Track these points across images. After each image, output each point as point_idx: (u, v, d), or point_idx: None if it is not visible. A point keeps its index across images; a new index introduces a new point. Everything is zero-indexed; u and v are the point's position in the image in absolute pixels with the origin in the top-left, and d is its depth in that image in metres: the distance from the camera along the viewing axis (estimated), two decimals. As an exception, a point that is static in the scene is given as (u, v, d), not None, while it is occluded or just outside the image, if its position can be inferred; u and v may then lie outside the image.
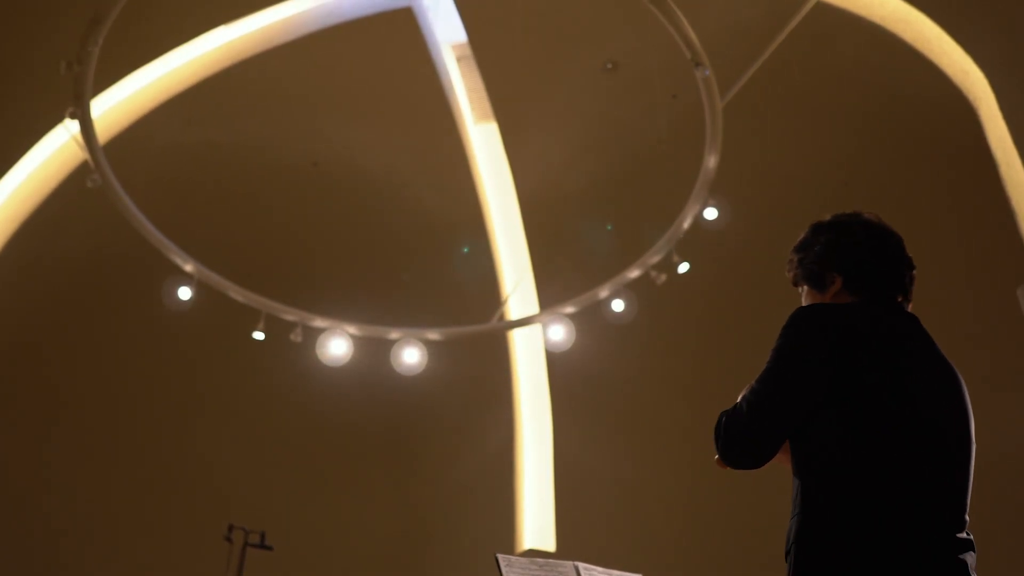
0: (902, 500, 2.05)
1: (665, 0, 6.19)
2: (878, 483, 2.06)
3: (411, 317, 9.53)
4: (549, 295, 10.04)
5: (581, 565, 3.57)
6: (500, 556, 3.44)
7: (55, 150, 8.82)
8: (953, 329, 9.20)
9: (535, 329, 9.83)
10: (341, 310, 9.17)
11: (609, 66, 9.55)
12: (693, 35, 6.43)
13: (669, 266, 8.35)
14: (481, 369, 10.78)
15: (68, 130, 7.50)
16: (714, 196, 8.33)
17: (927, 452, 2.11)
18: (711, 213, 7.83)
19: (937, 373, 2.28)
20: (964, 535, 2.09)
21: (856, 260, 2.48)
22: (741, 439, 2.24)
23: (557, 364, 10.25)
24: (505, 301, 10.27)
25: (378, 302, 10.09)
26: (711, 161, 7.38)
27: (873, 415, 2.13)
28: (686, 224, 7.90)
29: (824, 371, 2.18)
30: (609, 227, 10.00)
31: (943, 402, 2.23)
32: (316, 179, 10.04)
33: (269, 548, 7.01)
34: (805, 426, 2.20)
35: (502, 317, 10.07)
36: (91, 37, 6.22)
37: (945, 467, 2.13)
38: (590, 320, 9.08)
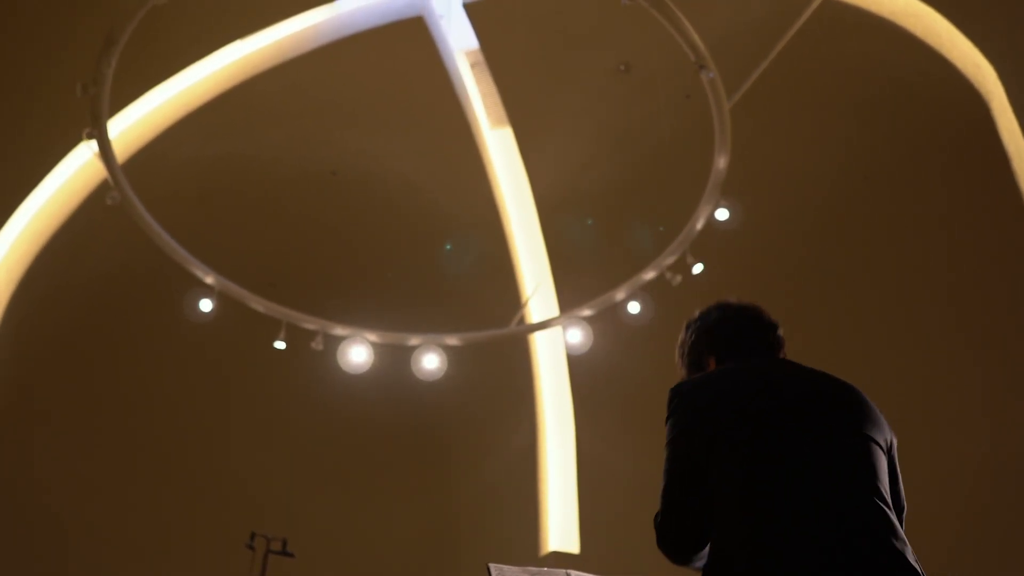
0: (795, 522, 2.11)
1: (667, 3, 6.19)
2: (767, 512, 2.14)
3: (433, 322, 9.60)
4: (569, 297, 10.08)
5: (574, 573, 3.60)
6: (492, 566, 3.47)
7: (79, 167, 9.00)
8: (964, 323, 9.17)
9: (556, 331, 9.88)
10: (364, 317, 9.26)
11: (622, 68, 9.57)
12: (696, 37, 6.44)
13: (685, 267, 8.36)
14: (504, 371, 10.83)
15: (90, 147, 7.67)
16: (730, 196, 8.33)
17: (804, 472, 2.20)
18: (723, 214, 7.83)
19: (809, 394, 2.39)
20: (885, 540, 2.11)
21: (718, 338, 2.71)
22: (669, 532, 2.34)
23: (579, 365, 10.28)
24: (525, 304, 10.33)
25: (400, 308, 10.18)
26: (721, 162, 7.37)
27: (749, 459, 2.24)
28: (699, 225, 7.91)
29: (701, 434, 2.33)
30: (590, 221, 10.03)
31: (822, 424, 2.31)
32: (335, 187, 10.15)
33: (291, 555, 7.11)
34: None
35: (522, 320, 10.13)
36: (105, 59, 6.35)
37: (833, 474, 2.20)
38: (611, 320, 9.10)
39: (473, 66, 9.61)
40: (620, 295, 8.56)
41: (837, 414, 2.35)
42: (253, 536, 7.06)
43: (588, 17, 9.33)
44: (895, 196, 8.98)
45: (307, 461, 10.61)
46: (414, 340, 9.05)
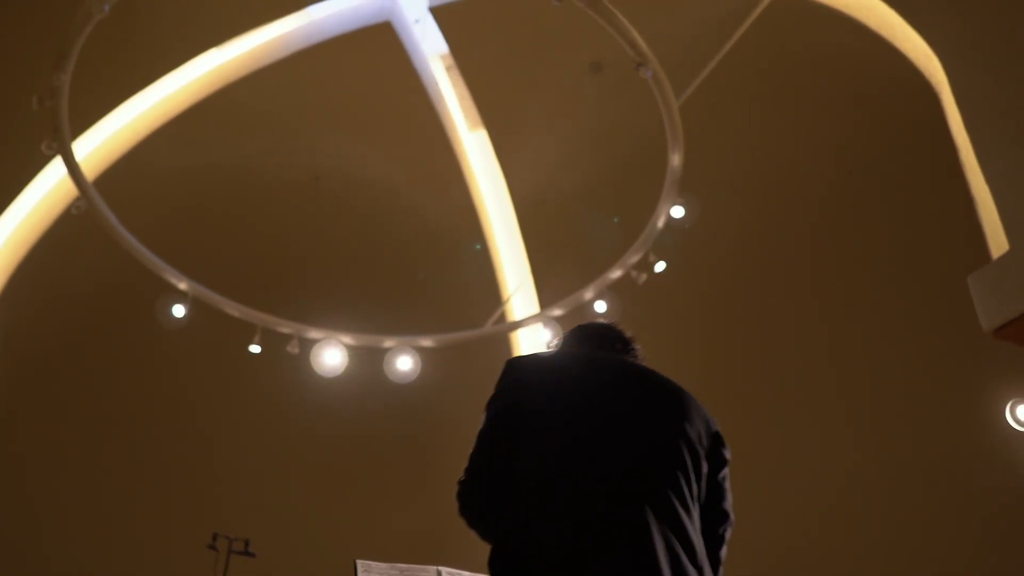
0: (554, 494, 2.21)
1: (602, 2, 6.21)
2: (532, 487, 2.25)
3: (415, 324, 9.66)
4: (549, 296, 10.09)
5: (444, 569, 3.66)
6: (359, 562, 3.53)
7: (60, 179, 9.18)
8: (960, 315, 9.03)
9: (537, 331, 9.90)
10: (345, 321, 9.33)
11: (594, 68, 9.59)
12: (636, 35, 6.45)
13: (650, 266, 8.37)
14: (489, 371, 10.84)
15: (56, 157, 7.81)
16: (703, 193, 8.32)
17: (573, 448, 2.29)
18: (678, 212, 7.82)
19: (631, 390, 2.49)
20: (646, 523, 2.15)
21: (568, 339, 2.90)
22: (466, 498, 2.42)
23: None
24: (506, 302, 10.37)
25: (382, 311, 10.25)
26: (675, 159, 7.37)
27: (549, 445, 2.32)
28: (660, 224, 7.91)
29: (516, 411, 2.43)
30: (616, 219, 10.04)
31: (634, 420, 2.38)
32: (315, 193, 10.26)
33: (252, 555, 7.16)
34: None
35: (502, 319, 10.17)
36: (56, 72, 6.50)
37: (629, 470, 2.25)
38: (591, 317, 9.11)
39: (447, 69, 9.68)
40: (588, 294, 8.59)
41: (654, 414, 2.42)
42: (215, 537, 7.11)
43: (557, 18, 9.34)
44: (855, 185, 8.93)
45: (300, 464, 10.70)
46: (388, 343, 9.12)
